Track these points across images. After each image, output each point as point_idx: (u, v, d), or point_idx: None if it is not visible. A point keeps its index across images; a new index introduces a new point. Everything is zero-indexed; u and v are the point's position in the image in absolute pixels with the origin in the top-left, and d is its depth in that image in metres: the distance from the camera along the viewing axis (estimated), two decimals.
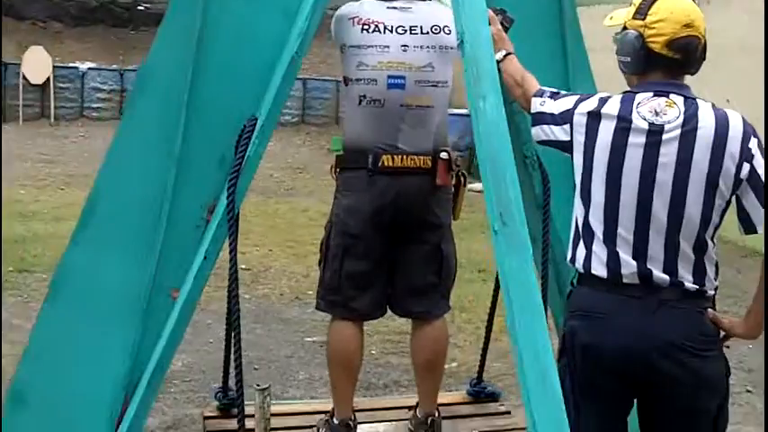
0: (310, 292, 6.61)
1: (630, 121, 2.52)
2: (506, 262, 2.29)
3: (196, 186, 2.94)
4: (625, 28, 2.60)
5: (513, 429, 3.75)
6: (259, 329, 5.93)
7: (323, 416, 3.60)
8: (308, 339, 5.79)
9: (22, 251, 7.35)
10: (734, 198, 2.53)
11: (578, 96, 2.68)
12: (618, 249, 2.55)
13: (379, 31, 3.29)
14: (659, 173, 2.50)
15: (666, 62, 2.54)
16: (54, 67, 15.47)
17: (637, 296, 2.54)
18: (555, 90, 2.77)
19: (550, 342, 2.25)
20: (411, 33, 3.30)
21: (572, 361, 2.64)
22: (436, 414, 3.58)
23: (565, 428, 2.18)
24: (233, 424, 3.19)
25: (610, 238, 2.56)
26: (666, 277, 2.52)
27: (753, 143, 2.50)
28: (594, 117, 2.58)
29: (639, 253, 2.53)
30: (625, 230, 2.54)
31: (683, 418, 2.58)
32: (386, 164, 3.29)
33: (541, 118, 2.72)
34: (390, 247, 3.38)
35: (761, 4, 8.48)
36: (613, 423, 2.69)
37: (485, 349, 4.09)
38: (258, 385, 2.99)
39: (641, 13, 2.55)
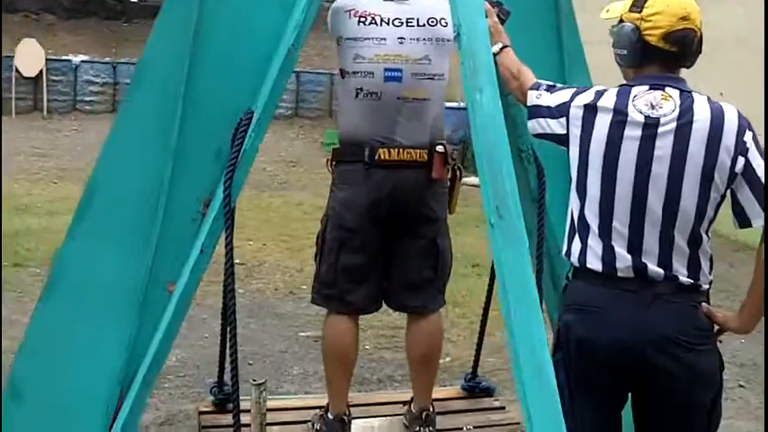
0: (304, 287, 6.61)
1: (626, 114, 2.53)
2: (503, 255, 2.29)
3: (192, 179, 2.93)
4: (621, 21, 2.61)
5: (508, 424, 3.76)
6: (253, 324, 5.92)
7: (317, 411, 3.60)
8: (303, 334, 5.78)
9: (16, 245, 7.33)
10: (729, 192, 2.53)
11: (575, 89, 2.68)
12: (613, 243, 2.55)
13: (375, 23, 3.28)
14: (655, 166, 2.50)
15: (662, 55, 2.55)
16: (47, 59, 15.40)
17: (632, 290, 2.55)
18: (551, 83, 2.78)
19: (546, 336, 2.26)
20: (408, 26, 3.30)
21: (567, 355, 2.64)
22: (431, 409, 3.58)
23: (560, 423, 2.17)
24: (228, 419, 3.18)
25: (605, 232, 2.57)
26: (661, 271, 2.52)
27: (748, 137, 2.50)
28: (591, 110, 2.58)
29: (634, 247, 2.54)
30: (620, 224, 2.54)
31: (677, 413, 2.58)
32: (382, 157, 3.28)
33: (538, 111, 2.72)
34: (386, 240, 3.38)
35: None
36: (608, 417, 2.70)
37: (479, 344, 4.10)
38: (254, 380, 2.99)
39: (638, 5, 2.56)
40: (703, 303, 2.57)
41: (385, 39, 3.28)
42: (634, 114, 2.52)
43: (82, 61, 15.90)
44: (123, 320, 2.90)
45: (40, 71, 15.21)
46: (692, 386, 2.54)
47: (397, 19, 3.29)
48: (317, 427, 3.52)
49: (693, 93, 2.54)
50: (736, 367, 5.29)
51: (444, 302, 3.59)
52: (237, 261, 6.83)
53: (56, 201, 9.28)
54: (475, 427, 3.73)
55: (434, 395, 3.67)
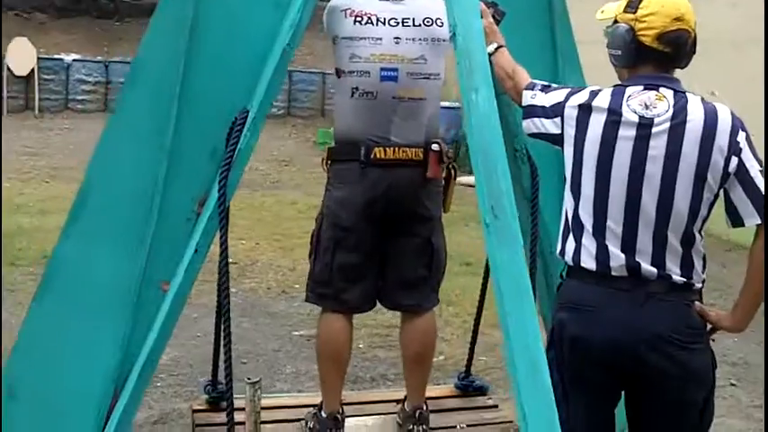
0: (297, 286, 6.62)
1: (621, 115, 2.54)
2: (498, 254, 2.30)
3: (187, 179, 2.93)
4: (616, 21, 2.62)
5: (501, 423, 3.76)
6: (246, 323, 5.93)
7: (311, 409, 3.60)
8: (296, 333, 5.79)
9: (7, 244, 7.30)
10: (722, 192, 2.55)
11: (569, 89, 2.70)
12: (607, 242, 2.57)
13: (371, 23, 3.29)
14: (648, 166, 2.51)
15: (657, 56, 2.56)
16: (38, 58, 15.38)
17: (625, 289, 2.56)
18: (546, 83, 2.79)
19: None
20: (403, 25, 3.30)
21: (560, 353, 2.66)
22: (424, 407, 3.59)
23: (555, 421, 2.19)
24: (222, 417, 3.18)
25: (599, 231, 2.58)
26: (654, 270, 2.54)
27: (741, 137, 2.52)
28: (585, 110, 2.59)
29: (628, 246, 2.55)
30: (614, 223, 2.56)
31: (670, 411, 2.60)
32: (378, 156, 3.29)
33: (532, 111, 2.73)
34: (381, 239, 3.38)
35: None
36: (601, 415, 2.71)
37: (473, 343, 4.10)
38: (249, 379, 2.99)
39: (632, 6, 2.57)
40: (696, 302, 2.59)
41: (381, 38, 3.28)
42: (628, 114, 2.53)
43: (74, 60, 15.89)
44: (117, 320, 2.90)
45: (32, 70, 15.19)
46: (685, 384, 2.56)
47: (393, 19, 3.30)
48: (311, 425, 3.52)
49: (687, 93, 2.56)
50: (728, 366, 5.32)
51: (438, 301, 3.60)
52: (230, 260, 6.84)
53: (47, 200, 9.27)
54: (468, 426, 3.72)
55: (428, 393, 3.67)
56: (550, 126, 2.68)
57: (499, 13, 3.00)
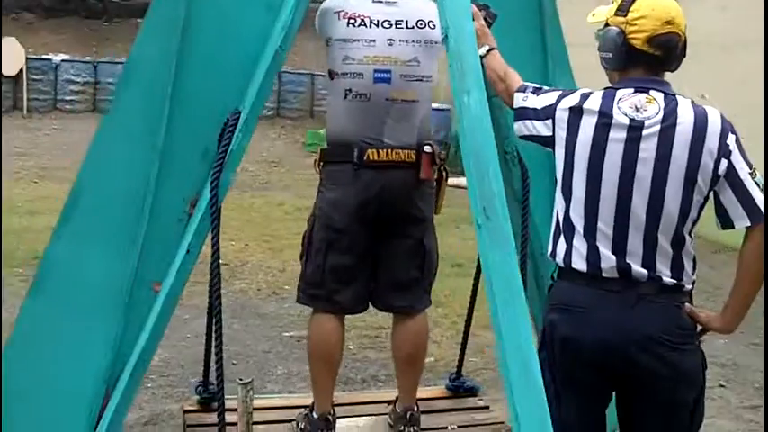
0: (287, 287, 6.63)
1: (611, 117, 2.55)
2: (490, 256, 2.31)
3: (179, 179, 2.93)
4: (607, 24, 2.64)
5: (493, 423, 3.78)
6: (236, 324, 5.92)
7: (302, 410, 3.60)
8: (286, 334, 5.79)
9: None
10: (712, 194, 2.56)
11: (560, 92, 2.71)
12: (598, 244, 2.58)
13: (365, 25, 3.30)
14: (639, 168, 2.53)
15: (647, 59, 2.58)
16: (27, 58, 15.33)
17: (616, 290, 2.57)
18: (537, 85, 2.80)
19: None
20: (397, 27, 3.31)
21: (552, 354, 2.67)
22: (415, 408, 3.60)
23: (547, 421, 2.20)
24: (213, 418, 3.18)
25: (590, 233, 2.59)
26: (645, 271, 2.55)
27: (730, 139, 2.53)
28: (576, 112, 2.61)
29: (619, 247, 2.56)
30: (605, 225, 2.57)
31: (661, 411, 2.61)
32: (371, 158, 3.30)
33: (524, 113, 2.74)
34: (374, 241, 3.39)
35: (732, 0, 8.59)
36: (592, 415, 2.72)
37: (464, 344, 4.11)
38: (241, 379, 2.99)
39: (623, 9, 2.59)
40: (686, 303, 2.60)
41: (374, 40, 3.29)
42: (619, 117, 2.54)
43: (62, 60, 15.86)
44: (109, 320, 2.90)
45: (20, 70, 15.13)
46: (676, 385, 2.57)
47: (386, 21, 3.31)
48: (302, 426, 3.53)
49: (677, 96, 2.58)
50: (717, 367, 5.35)
51: (430, 302, 3.61)
52: (221, 261, 6.84)
53: (36, 200, 9.25)
54: (459, 426, 3.73)
55: (419, 395, 3.68)
56: (542, 128, 2.69)
57: (491, 16, 3.01)
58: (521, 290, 2.30)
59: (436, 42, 3.25)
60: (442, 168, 3.42)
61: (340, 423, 3.57)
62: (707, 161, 2.51)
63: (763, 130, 6.78)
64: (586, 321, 2.58)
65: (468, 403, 4.01)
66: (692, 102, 2.58)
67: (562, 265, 2.66)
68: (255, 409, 3.27)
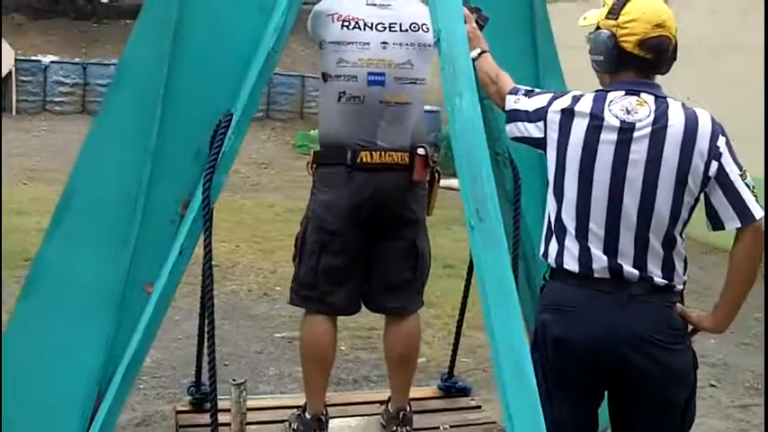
0: (278, 288, 6.63)
1: (603, 119, 2.57)
2: (482, 257, 2.32)
3: (171, 181, 2.94)
4: (598, 27, 2.65)
5: (484, 423, 3.79)
6: (227, 326, 5.92)
7: (295, 410, 3.61)
8: (278, 335, 5.79)
9: None
10: (702, 195, 2.58)
11: (552, 94, 2.72)
12: (589, 245, 2.59)
13: (359, 27, 3.30)
14: (630, 170, 2.54)
15: (638, 62, 2.59)
16: (16, 60, 15.29)
17: (607, 291, 2.59)
18: (529, 88, 2.82)
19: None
20: (390, 30, 3.32)
21: (544, 354, 2.68)
22: (408, 408, 3.60)
23: (540, 421, 2.21)
24: (205, 418, 3.18)
25: (581, 234, 2.61)
26: (636, 272, 2.57)
27: (721, 141, 2.55)
28: (568, 115, 2.62)
29: (610, 248, 2.58)
30: (596, 226, 2.58)
31: (652, 411, 2.62)
32: (364, 160, 3.30)
33: (516, 115, 2.76)
34: (367, 243, 3.40)
35: (721, 3, 8.64)
36: (584, 415, 2.74)
37: (455, 345, 4.12)
38: (234, 380, 2.99)
39: (614, 13, 2.60)
40: (678, 303, 2.62)
41: (368, 43, 3.30)
42: (610, 119, 2.56)
43: (51, 62, 15.84)
44: (101, 321, 2.90)
45: (9, 71, 15.09)
46: (667, 385, 2.59)
47: (380, 24, 3.31)
48: (295, 426, 3.53)
49: (668, 98, 2.59)
50: (708, 367, 5.38)
51: (423, 303, 3.61)
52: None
53: (25, 201, 9.21)
54: (451, 426, 3.74)
55: (411, 395, 3.68)
56: (533, 130, 2.71)
57: (483, 19, 3.03)
58: (513, 291, 2.31)
59: (429, 45, 3.25)
60: (434, 170, 3.43)
61: (332, 423, 3.57)
62: (697, 163, 2.53)
63: (757, 132, 6.83)
64: (578, 321, 2.60)
65: (460, 403, 4.02)
66: (683, 104, 2.60)
67: (554, 265, 2.68)
68: (248, 409, 3.28)
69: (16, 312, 2.93)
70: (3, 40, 15.14)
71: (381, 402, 3.74)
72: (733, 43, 8.50)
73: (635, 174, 2.54)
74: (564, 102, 2.65)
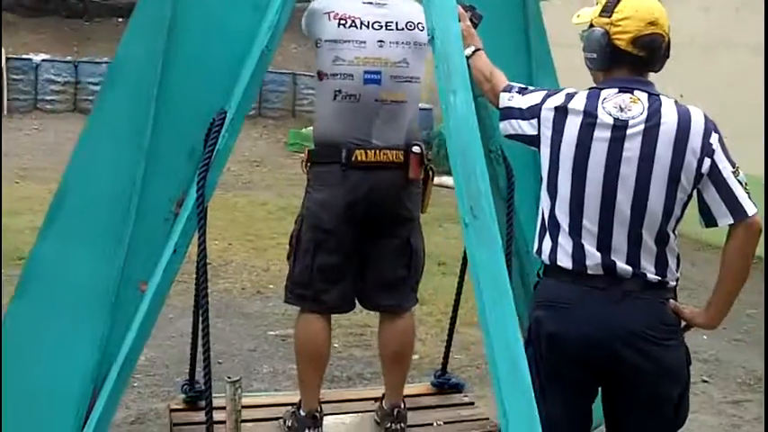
0: (271, 286, 6.63)
1: (596, 117, 2.58)
2: (477, 254, 2.33)
3: (165, 179, 2.94)
4: (592, 25, 2.66)
5: (478, 419, 3.80)
6: (221, 324, 5.91)
7: (289, 407, 3.61)
8: (271, 333, 5.79)
9: None
10: (695, 192, 2.59)
11: (546, 92, 2.73)
12: (583, 241, 2.60)
13: (355, 26, 3.30)
14: (623, 167, 2.55)
15: (631, 59, 2.60)
16: (7, 58, 15.23)
17: (601, 287, 2.60)
18: (523, 85, 2.83)
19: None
20: (387, 29, 3.32)
21: (538, 350, 2.69)
22: (402, 405, 3.61)
23: (535, 418, 2.22)
24: (199, 416, 3.19)
25: (575, 231, 2.62)
26: (629, 268, 2.58)
27: (714, 139, 2.56)
28: (561, 112, 2.63)
29: (603, 245, 2.59)
30: (590, 223, 2.59)
31: (645, 406, 2.64)
32: (359, 158, 3.30)
33: (510, 113, 2.77)
34: (361, 241, 3.40)
35: (714, 1, 8.66)
36: (578, 410, 2.75)
37: (449, 341, 4.13)
38: (229, 377, 2.99)
39: (607, 10, 2.61)
40: (671, 300, 2.63)
41: (365, 42, 3.30)
42: (603, 117, 2.57)
43: (43, 60, 15.77)
44: (96, 320, 2.90)
45: (0, 70, 15.03)
46: (659, 380, 2.60)
47: (376, 22, 3.32)
48: (290, 423, 3.54)
49: (661, 96, 2.60)
50: (700, 362, 5.39)
51: (417, 301, 3.62)
52: None
53: (17, 200, 9.17)
54: (445, 423, 3.75)
55: (405, 391, 3.69)
56: (527, 127, 2.72)
57: (476, 17, 3.04)
58: (508, 288, 2.32)
59: (425, 44, 3.26)
60: (428, 168, 3.44)
61: (327, 420, 3.58)
62: (690, 160, 2.54)
63: (750, 129, 6.85)
64: (572, 318, 2.61)
65: (453, 400, 4.03)
66: (676, 102, 2.61)
67: (548, 262, 2.69)
68: (243, 406, 3.28)
69: (10, 311, 2.92)
70: None
71: (375, 399, 3.75)
72: (726, 41, 8.53)
73: (628, 171, 2.55)
74: (557, 99, 2.66)
